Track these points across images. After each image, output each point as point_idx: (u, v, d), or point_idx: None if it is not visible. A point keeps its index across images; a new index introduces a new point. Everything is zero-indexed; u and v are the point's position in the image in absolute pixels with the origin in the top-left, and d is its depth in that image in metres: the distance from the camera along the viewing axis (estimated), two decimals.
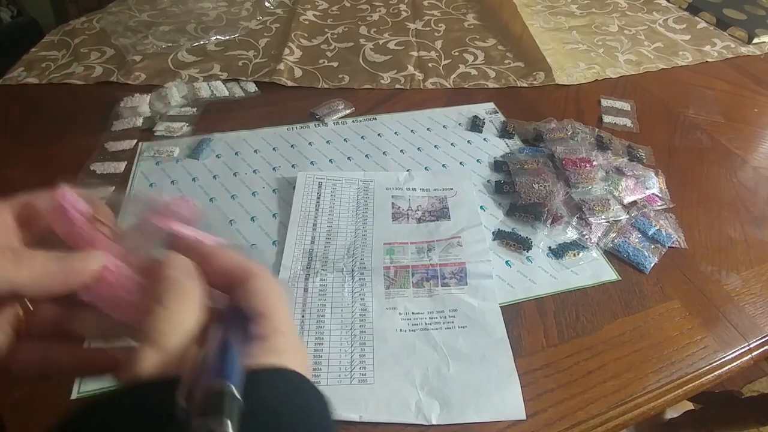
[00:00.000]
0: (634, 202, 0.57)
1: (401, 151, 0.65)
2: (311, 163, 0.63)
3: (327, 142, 0.66)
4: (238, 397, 0.17)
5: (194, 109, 0.70)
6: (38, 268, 0.21)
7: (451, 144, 0.66)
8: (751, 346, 0.45)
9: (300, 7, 0.96)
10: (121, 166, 0.61)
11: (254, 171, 0.61)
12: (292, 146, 0.65)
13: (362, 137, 0.67)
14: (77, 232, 0.23)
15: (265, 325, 0.21)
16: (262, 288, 0.23)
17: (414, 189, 0.58)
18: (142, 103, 0.68)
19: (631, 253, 0.52)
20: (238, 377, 0.18)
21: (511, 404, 0.40)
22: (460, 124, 0.70)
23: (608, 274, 0.51)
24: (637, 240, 0.53)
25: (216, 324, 0.21)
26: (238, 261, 0.23)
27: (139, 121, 0.67)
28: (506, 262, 0.51)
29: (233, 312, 0.22)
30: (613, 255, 0.52)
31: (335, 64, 0.81)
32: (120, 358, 0.21)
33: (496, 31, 0.92)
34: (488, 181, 0.61)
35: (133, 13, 0.92)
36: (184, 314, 0.21)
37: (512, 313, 0.47)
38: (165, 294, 0.21)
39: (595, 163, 0.60)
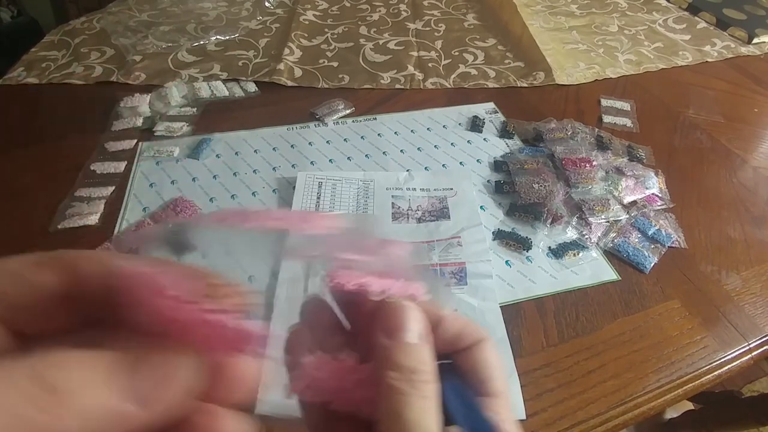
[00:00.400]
0: (634, 202, 0.57)
1: (401, 151, 0.65)
2: (311, 163, 0.63)
3: (327, 142, 0.66)
4: None
5: (194, 109, 0.70)
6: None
7: (451, 144, 0.66)
8: (751, 346, 0.45)
9: (300, 7, 0.96)
10: (121, 166, 0.61)
11: (254, 171, 0.61)
12: (292, 146, 0.65)
13: (362, 137, 0.67)
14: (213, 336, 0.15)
15: (491, 389, 0.20)
16: (487, 356, 0.21)
17: (414, 189, 0.58)
18: (142, 103, 0.68)
19: (631, 253, 0.52)
20: None
21: (511, 404, 0.40)
22: (460, 124, 0.70)
23: (608, 274, 0.51)
24: (637, 240, 0.53)
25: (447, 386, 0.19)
26: (467, 324, 0.21)
27: (139, 121, 0.67)
28: (506, 261, 0.51)
29: (447, 369, 0.20)
30: (613, 255, 0.52)
31: (335, 64, 0.81)
32: None
33: (496, 31, 0.92)
34: (488, 181, 0.61)
35: (133, 13, 0.92)
36: (431, 402, 0.18)
37: (512, 313, 0.47)
38: (407, 383, 0.17)
39: (595, 163, 0.60)
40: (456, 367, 0.21)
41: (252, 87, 0.75)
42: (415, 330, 0.19)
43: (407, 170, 0.62)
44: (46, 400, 0.12)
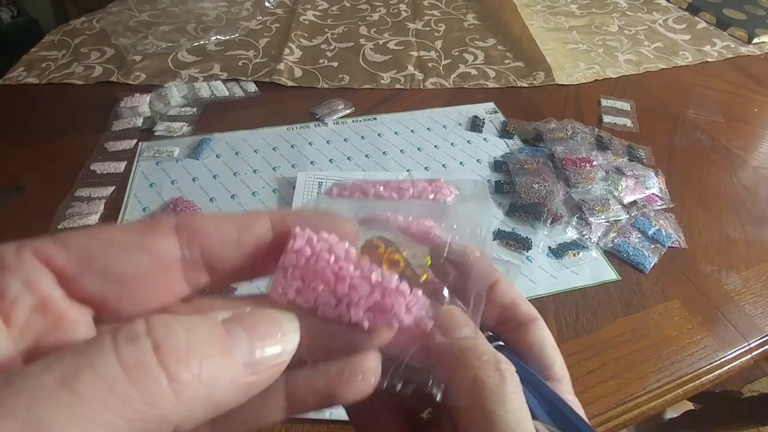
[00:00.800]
0: (634, 202, 0.57)
1: (401, 151, 0.65)
2: (311, 163, 0.63)
3: (327, 142, 0.66)
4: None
5: (194, 109, 0.70)
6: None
7: (451, 144, 0.66)
8: (751, 345, 0.45)
9: (300, 7, 0.96)
10: (121, 166, 0.61)
11: (254, 171, 0.61)
12: (292, 146, 0.65)
13: (362, 137, 0.67)
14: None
15: (551, 375, 0.20)
16: (546, 336, 0.20)
17: None
18: (142, 103, 0.68)
19: (631, 253, 0.52)
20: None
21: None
22: (460, 124, 0.70)
23: (608, 274, 0.51)
24: (637, 240, 0.53)
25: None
26: (522, 301, 0.20)
27: (139, 121, 0.67)
28: (506, 262, 0.51)
29: (497, 344, 0.19)
30: (613, 255, 0.52)
31: (335, 64, 0.81)
32: None
33: (496, 31, 0.92)
34: (488, 181, 0.61)
35: (133, 13, 0.92)
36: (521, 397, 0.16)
37: None
38: (497, 375, 0.16)
39: (595, 163, 0.60)
40: (511, 348, 0.19)
41: (252, 87, 0.75)
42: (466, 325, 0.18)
43: (407, 170, 0.62)
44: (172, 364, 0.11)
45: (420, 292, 0.15)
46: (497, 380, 0.16)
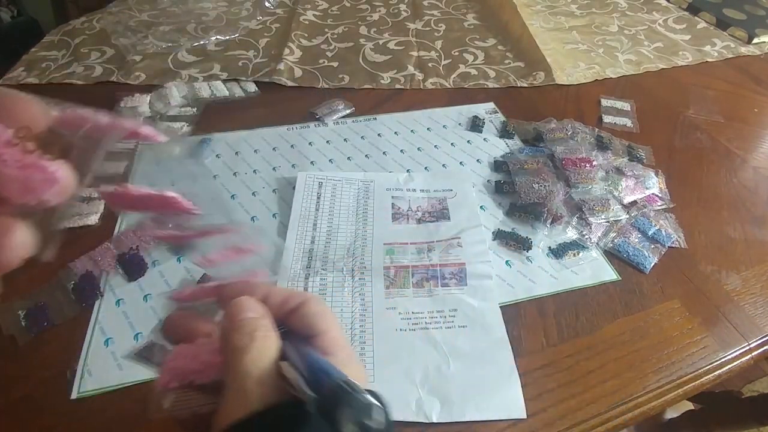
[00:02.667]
0: (634, 202, 0.57)
1: (401, 151, 0.65)
2: (311, 163, 0.63)
3: (327, 142, 0.66)
4: (354, 381, 0.19)
5: (194, 109, 0.70)
6: None
7: (451, 144, 0.66)
8: (751, 346, 0.45)
9: (300, 7, 0.96)
10: (121, 166, 0.60)
11: (254, 171, 0.61)
12: (292, 146, 0.65)
13: (362, 137, 0.67)
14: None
15: (326, 341, 0.23)
16: (317, 310, 0.24)
17: (414, 190, 0.58)
18: (142, 103, 0.68)
19: (631, 253, 0.52)
20: (339, 371, 0.20)
21: (512, 403, 0.40)
22: (460, 124, 0.70)
23: (608, 274, 0.51)
24: (637, 240, 0.53)
25: (287, 344, 0.22)
26: (291, 291, 0.25)
27: (139, 121, 0.67)
28: (506, 262, 0.51)
29: (292, 337, 0.23)
30: (613, 255, 0.52)
31: (335, 64, 0.81)
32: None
33: (496, 31, 0.92)
34: (488, 181, 0.61)
35: (133, 13, 0.92)
36: (268, 349, 0.22)
37: (512, 312, 0.47)
38: (247, 337, 0.21)
39: (595, 163, 0.60)
40: (294, 331, 0.24)
41: (252, 87, 0.75)
42: (252, 309, 0.23)
43: (407, 170, 0.62)
44: None
45: (58, 168, 0.18)
46: (246, 341, 0.21)
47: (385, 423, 0.19)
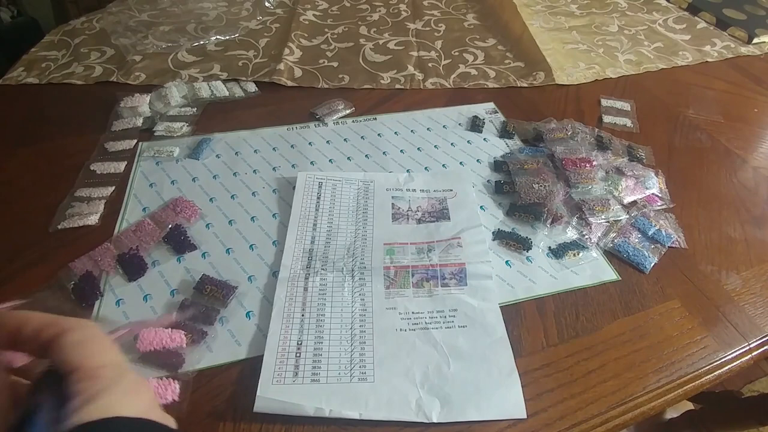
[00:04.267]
0: (634, 202, 0.57)
1: (401, 151, 0.65)
2: (311, 163, 0.63)
3: (327, 142, 0.66)
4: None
5: (194, 109, 0.70)
6: None
7: (451, 144, 0.66)
8: (751, 346, 0.45)
9: (300, 7, 0.96)
10: (121, 166, 0.61)
11: (254, 171, 0.61)
12: (292, 146, 0.65)
13: (362, 137, 0.67)
14: None
15: (80, 377, 0.20)
16: (73, 340, 0.21)
17: (414, 190, 0.58)
18: (142, 103, 0.68)
19: (631, 253, 0.52)
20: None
21: (512, 403, 0.40)
22: (460, 124, 0.70)
23: (608, 274, 0.51)
24: (637, 240, 0.53)
25: (30, 393, 0.20)
26: (47, 320, 0.22)
27: (139, 121, 0.67)
28: (506, 262, 0.51)
29: (49, 374, 0.21)
30: (613, 255, 0.52)
31: (335, 64, 0.81)
32: None
33: (496, 31, 0.92)
34: (488, 181, 0.61)
35: (133, 13, 0.92)
36: None
37: (512, 312, 0.47)
38: None
39: (595, 163, 0.60)
40: (56, 369, 0.21)
41: (252, 87, 0.75)
42: None
43: (407, 170, 0.62)
44: None
45: None
46: None
47: None
